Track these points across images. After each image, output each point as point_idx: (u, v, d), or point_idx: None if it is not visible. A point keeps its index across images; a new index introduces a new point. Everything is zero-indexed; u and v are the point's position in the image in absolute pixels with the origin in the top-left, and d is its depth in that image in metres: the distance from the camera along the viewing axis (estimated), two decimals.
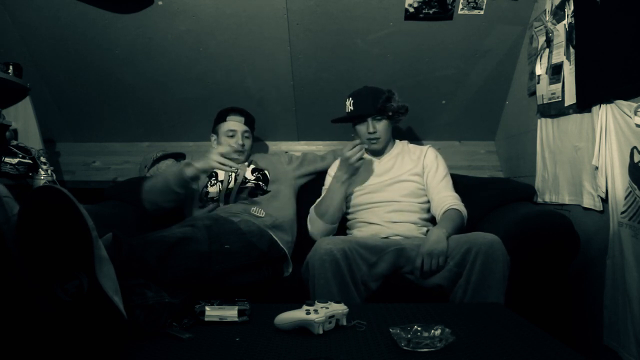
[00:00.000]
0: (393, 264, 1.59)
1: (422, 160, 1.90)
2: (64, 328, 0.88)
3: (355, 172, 1.78)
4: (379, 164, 1.93)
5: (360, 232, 1.82)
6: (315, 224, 1.83)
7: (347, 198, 1.88)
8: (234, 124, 2.01)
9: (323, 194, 1.89)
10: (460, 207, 1.76)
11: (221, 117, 2.05)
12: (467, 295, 1.44)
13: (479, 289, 1.42)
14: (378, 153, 1.95)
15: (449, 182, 1.87)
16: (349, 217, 1.92)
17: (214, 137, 2.08)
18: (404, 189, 1.85)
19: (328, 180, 1.94)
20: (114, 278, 0.96)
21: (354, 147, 1.72)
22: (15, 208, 0.95)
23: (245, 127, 2.03)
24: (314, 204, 1.88)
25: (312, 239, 1.81)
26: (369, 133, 1.85)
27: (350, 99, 1.88)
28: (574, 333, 1.75)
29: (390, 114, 1.83)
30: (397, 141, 2.01)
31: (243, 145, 2.00)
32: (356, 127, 1.89)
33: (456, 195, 1.82)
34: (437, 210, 1.79)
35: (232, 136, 2.00)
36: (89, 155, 2.63)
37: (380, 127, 1.86)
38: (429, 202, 1.86)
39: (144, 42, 2.20)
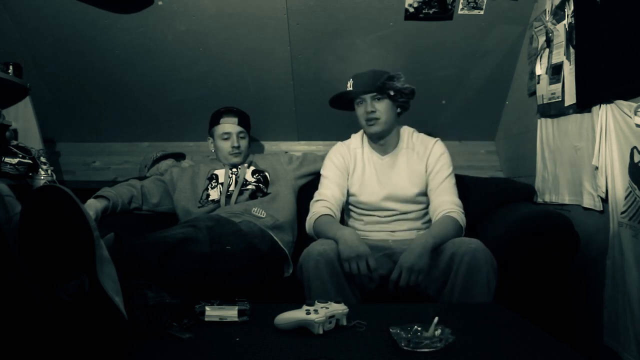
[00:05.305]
0: (385, 268, 1.55)
1: (427, 159, 1.76)
2: (64, 328, 0.88)
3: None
4: (383, 166, 1.79)
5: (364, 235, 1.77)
6: (309, 231, 1.73)
7: (347, 191, 1.79)
8: (228, 126, 2.00)
9: (323, 188, 1.77)
10: (458, 214, 1.62)
11: (215, 120, 2.04)
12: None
13: (462, 297, 1.40)
14: (380, 142, 1.78)
15: (450, 183, 1.72)
16: (352, 211, 1.84)
17: (210, 140, 2.08)
18: (407, 198, 1.74)
19: (328, 166, 1.82)
20: (115, 278, 0.96)
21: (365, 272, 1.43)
22: (17, 207, 0.95)
23: (239, 128, 2.01)
24: (316, 217, 1.68)
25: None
26: (367, 113, 1.70)
27: (351, 80, 1.75)
28: (574, 333, 1.75)
29: (392, 93, 1.69)
30: (403, 130, 1.83)
31: (239, 147, 2.00)
32: (356, 112, 1.76)
33: (457, 200, 1.68)
34: (433, 214, 1.68)
35: (227, 139, 1.99)
36: (89, 155, 2.64)
37: (381, 107, 1.70)
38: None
39: (144, 42, 2.20)
